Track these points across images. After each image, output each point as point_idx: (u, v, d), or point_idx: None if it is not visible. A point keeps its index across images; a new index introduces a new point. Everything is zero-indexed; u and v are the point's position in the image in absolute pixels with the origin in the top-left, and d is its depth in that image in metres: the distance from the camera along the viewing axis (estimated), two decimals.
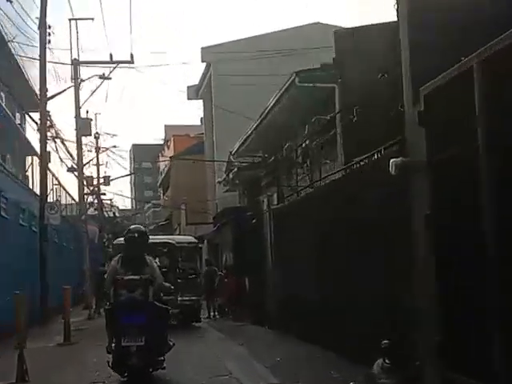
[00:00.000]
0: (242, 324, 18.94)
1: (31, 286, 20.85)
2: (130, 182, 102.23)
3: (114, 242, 22.57)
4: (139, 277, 9.16)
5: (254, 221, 19.34)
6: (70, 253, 33.71)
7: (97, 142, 55.58)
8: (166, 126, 66.53)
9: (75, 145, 34.16)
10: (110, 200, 58.14)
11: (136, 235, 9.62)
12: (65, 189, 33.38)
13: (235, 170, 32.42)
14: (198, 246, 22.60)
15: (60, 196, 32.19)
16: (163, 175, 54.91)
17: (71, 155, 31.37)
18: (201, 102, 47.49)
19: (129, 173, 39.48)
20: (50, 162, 24.74)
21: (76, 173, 32.51)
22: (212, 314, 22.72)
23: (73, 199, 35.14)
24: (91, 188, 38.60)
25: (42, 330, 19.10)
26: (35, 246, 21.78)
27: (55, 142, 25.41)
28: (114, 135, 50.65)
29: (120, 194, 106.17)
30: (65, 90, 25.56)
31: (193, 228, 39.89)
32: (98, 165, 55.21)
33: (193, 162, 37.62)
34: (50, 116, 22.51)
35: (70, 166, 31.65)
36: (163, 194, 57.20)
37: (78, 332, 18.61)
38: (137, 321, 8.78)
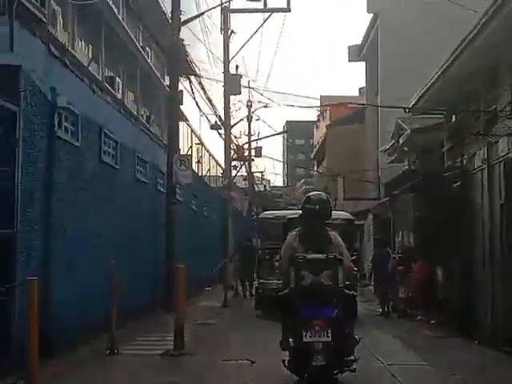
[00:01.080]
0: (438, 335, 12.43)
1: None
2: (283, 159, 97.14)
3: (260, 216, 19.84)
4: (326, 255, 7.11)
5: (455, 184, 12.74)
6: (212, 224, 28.48)
7: (249, 111, 50.84)
8: (321, 96, 60.13)
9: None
10: (261, 173, 52.92)
11: (317, 207, 7.41)
12: (207, 149, 27.83)
13: (407, 132, 25.73)
14: (355, 224, 18.34)
15: (202, 158, 26.75)
16: (318, 146, 48.71)
17: (216, 112, 25.84)
18: (363, 64, 40.96)
19: (281, 131, 33.05)
20: (182, 103, 19.01)
21: (221, 132, 27.05)
22: (386, 309, 16.30)
23: (217, 164, 29.63)
24: (239, 154, 32.94)
25: (158, 321, 13.66)
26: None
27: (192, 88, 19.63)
28: (266, 105, 45.01)
29: (271, 158, 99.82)
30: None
31: (351, 204, 33.44)
32: (249, 134, 50.55)
33: (347, 105, 31.09)
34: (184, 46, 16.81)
35: (214, 122, 26.09)
36: (317, 167, 51.20)
37: (203, 328, 13.03)
38: (324, 312, 6.83)
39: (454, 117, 22.85)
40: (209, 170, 28.62)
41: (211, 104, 24.51)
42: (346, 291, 7.23)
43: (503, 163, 10.26)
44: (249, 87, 43.68)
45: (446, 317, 13.52)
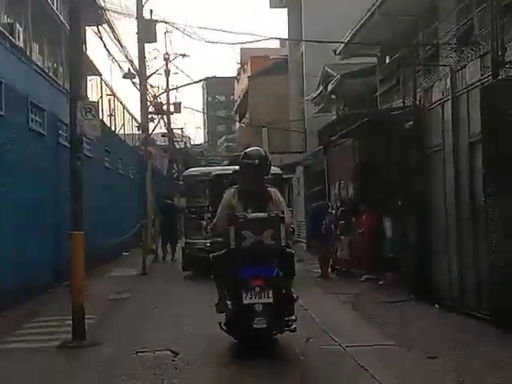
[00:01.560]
0: (391, 299, 10.51)
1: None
2: (203, 116, 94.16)
3: (184, 174, 18.47)
4: (267, 214, 6.64)
5: (408, 124, 10.77)
6: (129, 183, 25.86)
7: (167, 65, 47.76)
8: (242, 48, 57.42)
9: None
10: (181, 129, 50.18)
11: (256, 162, 6.87)
12: (120, 101, 24.93)
13: (337, 77, 23.72)
14: (283, 178, 17.20)
15: (115, 111, 23.91)
16: (239, 99, 46.23)
17: (128, 59, 22.98)
18: (285, 11, 38.56)
19: (200, 79, 30.20)
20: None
21: (136, 81, 24.24)
22: (327, 269, 14.35)
23: (133, 118, 26.82)
24: (157, 108, 30.07)
25: (61, 300, 11.29)
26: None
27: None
28: (184, 55, 42.13)
29: (191, 108, 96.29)
30: None
31: (277, 157, 31.34)
32: (167, 88, 47.56)
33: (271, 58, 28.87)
34: None
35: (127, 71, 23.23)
36: (239, 121, 48.84)
37: (114, 305, 10.73)
38: (265, 272, 6.47)
39: (388, 58, 21.09)
40: (123, 124, 25.80)
41: (121, 46, 21.64)
42: (289, 250, 6.81)
43: (479, 90, 8.21)
44: (166, 32, 40.74)
45: (399, 277, 11.60)
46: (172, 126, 47.36)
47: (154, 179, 31.01)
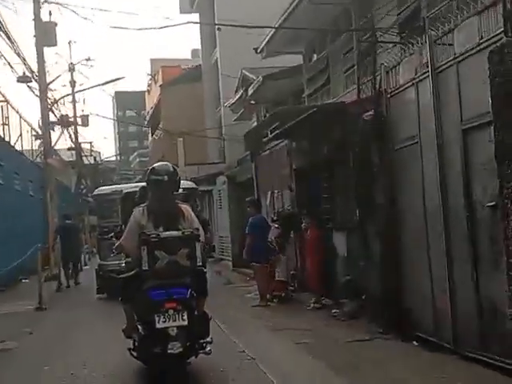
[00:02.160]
0: (358, 337, 8.07)
1: None
2: (114, 132, 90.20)
3: (95, 193, 17.26)
4: (182, 232, 6.22)
5: (366, 115, 8.45)
6: (28, 201, 22.52)
7: (72, 75, 44.28)
8: (152, 59, 54.63)
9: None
10: (90, 143, 46.64)
11: (166, 178, 6.38)
12: (15, 109, 21.55)
13: (258, 79, 21.38)
14: (199, 191, 16.97)
15: (8, 119, 20.56)
16: (151, 111, 43.21)
17: (21, 57, 19.78)
18: (196, 16, 36.10)
19: (111, 80, 26.94)
20: None
21: (32, 86, 21.02)
22: (269, 295, 11.77)
23: (32, 129, 23.44)
24: (61, 119, 26.78)
25: None
26: None
27: None
28: (89, 59, 38.69)
29: (102, 116, 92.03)
30: None
31: (194, 169, 28.70)
32: (74, 102, 44.02)
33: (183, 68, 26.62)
34: None
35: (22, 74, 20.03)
36: (152, 134, 45.79)
37: None
38: (178, 294, 5.98)
39: (315, 56, 18.93)
40: (21, 135, 22.45)
41: (12, 43, 18.47)
42: (200, 268, 6.36)
43: (484, 55, 5.89)
44: (70, 42, 37.54)
45: (358, 305, 9.19)
46: (80, 139, 44.02)
47: (58, 197, 27.79)
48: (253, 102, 24.67)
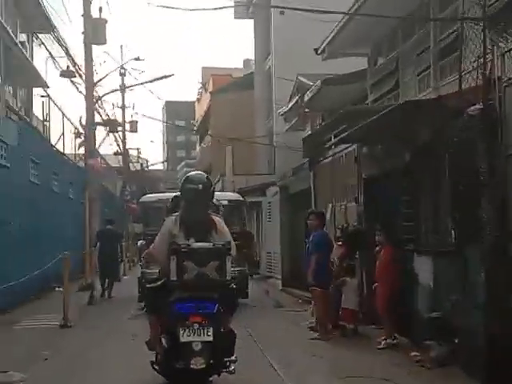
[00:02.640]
0: None
1: None
2: (163, 140, 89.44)
3: (141, 200, 16.89)
4: (213, 244, 5.96)
5: (472, 110, 6.45)
6: (68, 204, 21.10)
7: (122, 80, 43.27)
8: (203, 68, 53.28)
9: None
10: (138, 150, 45.47)
11: (200, 187, 6.14)
12: (56, 104, 20.11)
13: (317, 84, 19.53)
14: (245, 204, 15.91)
15: (49, 117, 19.09)
16: (200, 119, 41.79)
17: (69, 53, 18.38)
18: (251, 23, 34.55)
19: (164, 76, 25.50)
20: None
21: (77, 81, 19.61)
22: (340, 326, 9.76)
23: (76, 128, 22.00)
24: (105, 117, 25.36)
25: None
26: None
27: None
28: (138, 59, 37.12)
29: (150, 117, 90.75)
30: None
31: (242, 179, 26.99)
32: (123, 107, 43.01)
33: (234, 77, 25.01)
34: None
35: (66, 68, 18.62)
36: (200, 143, 44.37)
37: None
38: (204, 308, 5.72)
39: (381, 59, 17.03)
40: (63, 134, 21.06)
41: (58, 40, 17.08)
42: (228, 283, 5.97)
43: None
44: (122, 45, 36.41)
45: (449, 350, 7.18)
46: (128, 146, 42.88)
47: (101, 202, 26.39)
48: (307, 110, 22.93)
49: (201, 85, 48.16)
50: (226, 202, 13.41)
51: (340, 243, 9.71)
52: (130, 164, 43.21)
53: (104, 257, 16.61)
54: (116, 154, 35.33)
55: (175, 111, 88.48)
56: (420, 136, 8.10)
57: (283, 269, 16.43)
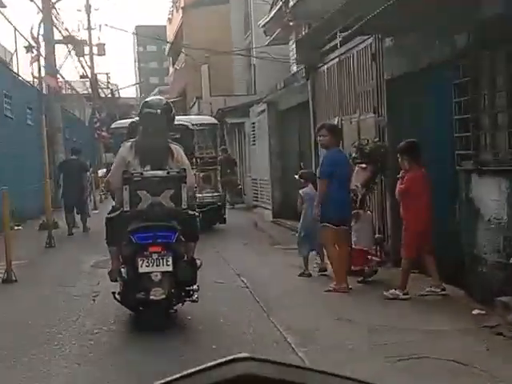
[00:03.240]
0: None
1: None
2: (134, 67, 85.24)
3: (112, 126, 15.49)
4: (167, 172, 5.70)
5: None
6: (28, 133, 18.30)
7: None
8: None
9: None
10: (107, 74, 42.17)
11: (158, 111, 5.89)
12: (7, 18, 16.91)
13: None
14: (220, 127, 15.67)
15: None
16: (172, 39, 38.38)
17: None
18: None
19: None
20: None
21: None
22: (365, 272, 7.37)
23: (28, 42, 18.79)
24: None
25: None
26: None
27: None
28: None
29: (116, 28, 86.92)
30: None
31: (220, 101, 24.29)
32: (89, 28, 39.44)
33: None
34: None
35: None
36: (173, 65, 41.10)
37: None
38: (164, 237, 5.49)
39: None
40: (16, 51, 18.00)
41: None
42: (191, 212, 5.82)
43: None
44: None
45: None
46: (96, 70, 39.56)
47: (66, 130, 23.60)
48: (291, 18, 20.12)
49: (172, 3, 44.32)
50: (198, 127, 12.91)
51: (364, 165, 7.24)
52: (100, 90, 40.01)
53: (68, 190, 14.31)
54: (82, 77, 32.13)
55: (146, 36, 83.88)
56: (487, 8, 5.53)
57: (274, 198, 14.05)
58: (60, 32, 21.92)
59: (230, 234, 12.82)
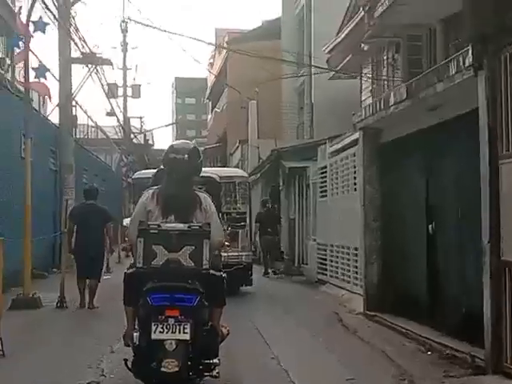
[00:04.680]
0: None
1: None
2: (172, 119, 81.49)
3: (134, 177, 14.19)
4: (188, 225, 4.83)
5: None
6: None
7: (124, 38, 35.81)
8: (217, 29, 45.19)
9: None
10: (140, 118, 37.83)
11: (185, 157, 5.04)
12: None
13: None
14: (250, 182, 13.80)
15: None
16: (214, 81, 33.70)
17: None
18: None
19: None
20: None
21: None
22: None
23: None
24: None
25: None
26: None
27: None
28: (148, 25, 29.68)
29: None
30: None
31: (271, 145, 19.27)
32: (124, 67, 35.37)
33: None
34: None
35: None
36: (212, 110, 36.40)
37: None
38: (182, 301, 4.64)
39: None
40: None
41: None
42: (216, 273, 4.95)
43: None
44: None
45: None
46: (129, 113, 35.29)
47: (84, 171, 18.91)
48: (364, 46, 15.29)
49: (213, 47, 40.01)
50: (227, 180, 12.30)
51: None
52: (132, 135, 35.52)
53: (83, 246, 9.82)
54: (109, 114, 27.51)
55: (185, 88, 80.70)
56: None
57: (368, 277, 8.65)
58: (78, 49, 17.15)
59: (300, 340, 7.54)
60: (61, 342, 7.31)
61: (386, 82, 15.60)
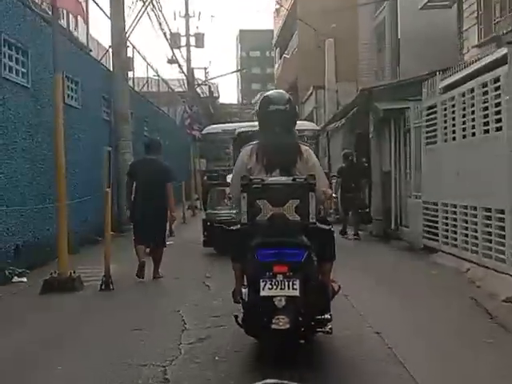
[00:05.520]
0: None
1: None
2: (236, 74, 78.56)
3: (204, 132, 13.19)
4: (292, 178, 4.56)
5: None
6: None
7: None
8: None
9: None
10: (205, 69, 35.38)
11: (284, 107, 4.73)
12: None
13: None
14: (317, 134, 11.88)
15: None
16: (279, 29, 30.58)
17: None
18: None
19: None
20: None
21: None
22: None
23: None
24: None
25: None
26: None
27: None
28: None
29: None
30: None
31: (351, 88, 16.44)
32: (187, 16, 32.80)
33: None
34: None
35: None
36: (280, 57, 33.50)
37: None
38: (290, 257, 4.39)
39: None
40: None
41: None
42: (323, 226, 4.69)
43: None
44: None
45: None
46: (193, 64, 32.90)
47: (146, 123, 16.77)
48: None
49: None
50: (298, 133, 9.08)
51: None
52: (196, 86, 33.16)
53: (143, 208, 8.22)
54: (170, 61, 25.13)
55: (250, 41, 77.56)
56: None
57: None
58: None
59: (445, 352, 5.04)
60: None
61: (496, 4, 12.54)
